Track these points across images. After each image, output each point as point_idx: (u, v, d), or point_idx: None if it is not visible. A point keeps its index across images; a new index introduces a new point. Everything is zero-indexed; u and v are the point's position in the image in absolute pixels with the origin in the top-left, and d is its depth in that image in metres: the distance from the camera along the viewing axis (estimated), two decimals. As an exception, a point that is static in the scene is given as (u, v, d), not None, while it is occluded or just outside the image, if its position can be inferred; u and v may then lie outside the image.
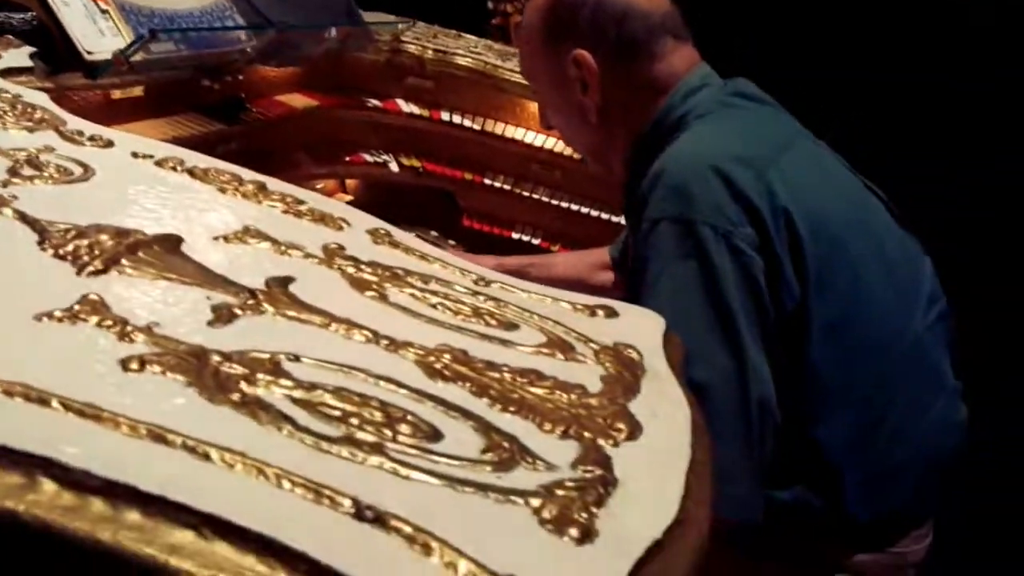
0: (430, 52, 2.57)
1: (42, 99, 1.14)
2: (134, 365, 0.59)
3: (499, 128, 2.64)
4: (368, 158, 2.60)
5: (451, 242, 2.68)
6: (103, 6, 1.42)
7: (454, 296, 0.87)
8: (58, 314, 0.64)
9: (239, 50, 1.74)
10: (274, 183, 1.06)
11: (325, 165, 2.47)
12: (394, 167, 2.64)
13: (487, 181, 2.69)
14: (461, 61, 2.58)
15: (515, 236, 2.72)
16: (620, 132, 1.53)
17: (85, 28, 1.38)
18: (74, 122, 1.09)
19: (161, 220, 0.88)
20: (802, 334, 1.27)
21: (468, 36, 3.11)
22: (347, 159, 2.54)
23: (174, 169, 1.02)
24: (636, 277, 1.33)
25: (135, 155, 1.03)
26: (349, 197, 2.63)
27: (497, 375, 0.71)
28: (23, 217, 0.80)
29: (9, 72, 1.24)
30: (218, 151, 2.05)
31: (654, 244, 1.28)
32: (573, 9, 1.47)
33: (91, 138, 1.04)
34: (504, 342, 0.78)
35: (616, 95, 1.49)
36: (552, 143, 2.62)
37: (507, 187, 2.68)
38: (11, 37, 1.38)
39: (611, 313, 0.92)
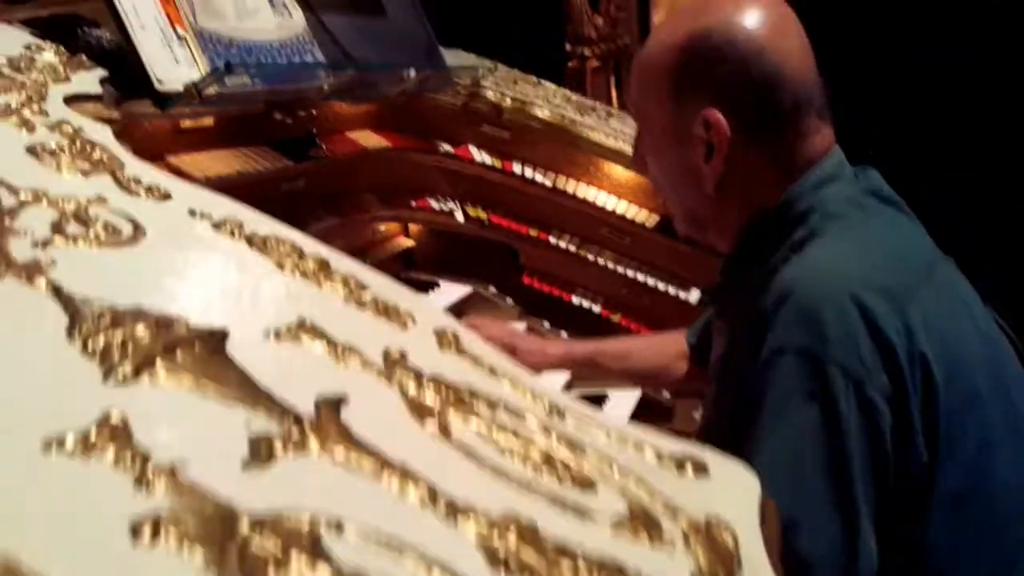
0: (508, 101, 2.49)
1: (104, 135, 1.06)
2: (147, 531, 0.49)
3: (571, 186, 2.55)
4: (434, 204, 2.51)
5: (509, 300, 2.58)
6: (181, 32, 1.35)
7: (524, 434, 0.76)
8: (70, 443, 0.54)
9: (316, 88, 1.65)
10: (337, 259, 0.96)
11: (391, 207, 2.39)
12: (460, 216, 2.55)
13: (552, 240, 2.58)
14: (539, 113, 2.49)
15: (575, 300, 2.60)
16: (734, 206, 1.35)
17: (159, 55, 1.30)
18: (134, 165, 1.00)
19: (209, 304, 0.78)
20: (921, 505, 1.12)
21: (547, 84, 3.03)
22: (413, 204, 2.46)
23: (232, 235, 0.92)
24: (748, 408, 1.17)
25: (192, 213, 0.94)
26: (411, 242, 2.54)
27: (570, 564, 0.59)
28: (57, 292, 0.70)
29: (76, 99, 1.17)
30: (284, 188, 1.98)
31: (776, 378, 1.13)
32: (715, 61, 1.28)
33: (148, 188, 0.95)
34: (580, 512, 0.66)
35: (742, 167, 1.31)
36: (625, 208, 2.51)
37: (572, 248, 2.58)
38: (84, 58, 1.31)
39: (701, 469, 0.80)
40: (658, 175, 1.43)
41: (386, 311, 0.89)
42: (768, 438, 1.12)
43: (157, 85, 1.28)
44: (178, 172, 1.59)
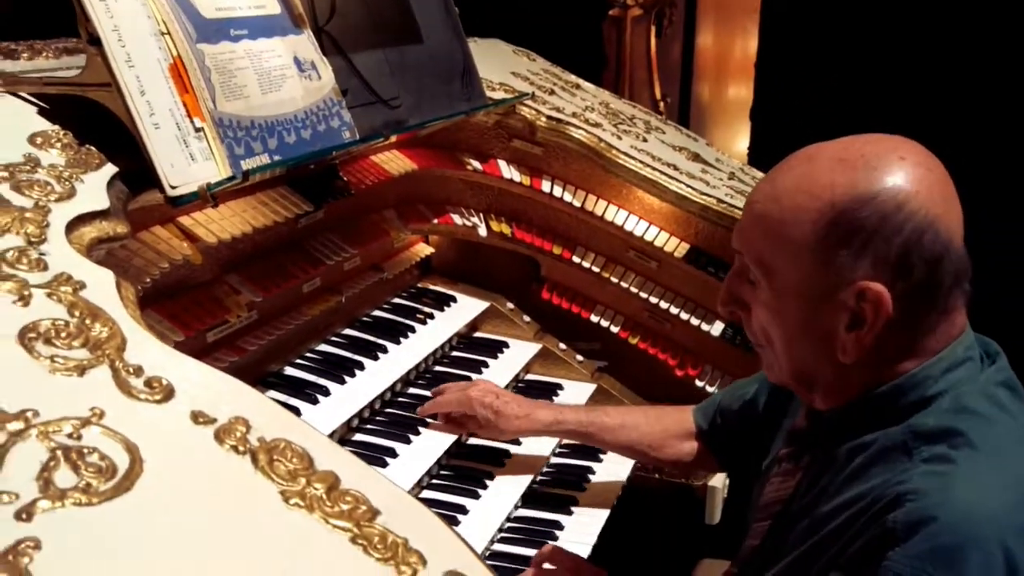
0: (543, 119, 2.37)
1: (107, 288, 0.99)
2: None
3: (600, 207, 2.44)
4: (457, 219, 2.42)
5: (526, 318, 2.52)
6: (199, 123, 1.26)
7: None
8: None
9: (345, 146, 1.56)
10: (350, 470, 0.90)
11: (412, 224, 2.30)
12: (483, 231, 2.46)
13: (576, 259, 2.50)
14: (574, 134, 2.37)
15: (593, 319, 2.54)
16: (860, 375, 1.24)
17: (174, 155, 1.22)
18: (136, 341, 0.94)
19: (204, 580, 0.73)
20: None
21: (587, 86, 2.90)
22: (435, 221, 2.37)
23: (236, 450, 0.86)
24: None
25: (195, 419, 0.88)
26: (431, 250, 2.47)
27: None
28: (38, 602, 0.65)
29: (80, 221, 1.09)
30: (302, 224, 1.91)
31: None
32: (884, 230, 1.14)
33: (148, 384, 0.89)
34: None
35: (885, 341, 1.19)
36: (655, 234, 2.42)
37: (596, 268, 2.50)
38: (93, 150, 1.23)
39: None
40: (770, 327, 1.28)
41: (394, 553, 0.84)
42: None
43: (170, 191, 1.20)
44: (191, 236, 1.52)
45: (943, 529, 1.06)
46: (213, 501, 0.81)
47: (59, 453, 0.78)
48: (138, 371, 0.90)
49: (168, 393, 0.89)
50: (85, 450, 0.79)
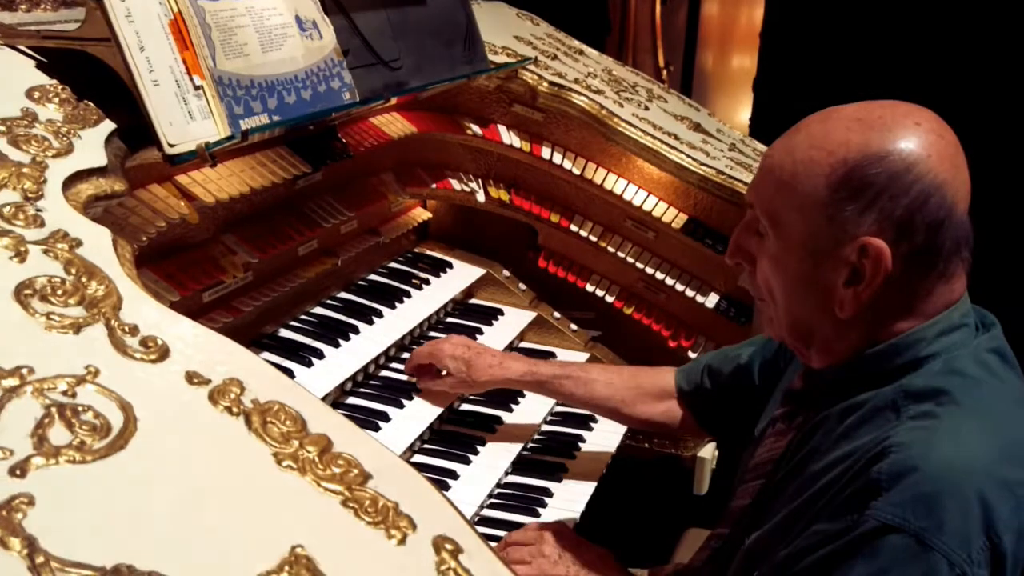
0: (545, 84, 2.35)
1: (104, 245, 0.99)
2: None
3: (599, 176, 2.44)
4: (455, 185, 2.41)
5: (521, 285, 2.52)
6: (198, 81, 1.25)
7: None
8: None
9: (345, 108, 1.55)
10: (342, 433, 0.91)
11: (410, 188, 2.29)
12: (481, 197, 2.46)
13: (573, 227, 2.50)
14: (576, 100, 2.36)
15: (589, 288, 2.54)
16: (856, 333, 1.26)
17: (172, 113, 1.21)
18: (131, 299, 0.94)
19: (197, 543, 0.74)
20: None
21: (590, 52, 2.87)
22: (434, 185, 2.36)
23: (229, 411, 0.87)
24: (827, 565, 1.15)
25: (190, 380, 0.88)
26: (428, 215, 2.46)
27: None
28: (31, 556, 0.66)
29: (77, 178, 1.08)
30: (299, 186, 1.90)
31: (875, 551, 1.10)
32: (892, 188, 1.17)
33: (144, 343, 0.89)
34: None
35: (882, 300, 1.22)
36: (654, 204, 2.41)
37: (593, 237, 2.49)
38: (91, 105, 1.22)
39: None
40: (772, 279, 1.30)
41: (385, 517, 0.84)
42: None
43: (168, 149, 1.19)
44: (188, 195, 1.51)
45: (923, 478, 1.10)
46: (206, 462, 0.82)
47: (54, 411, 0.78)
48: (133, 330, 0.90)
49: (163, 353, 0.90)
50: (80, 408, 0.79)
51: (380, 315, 2.06)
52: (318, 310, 2.03)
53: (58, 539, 0.68)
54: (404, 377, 1.98)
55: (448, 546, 0.84)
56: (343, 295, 2.11)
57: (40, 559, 0.66)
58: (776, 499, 1.32)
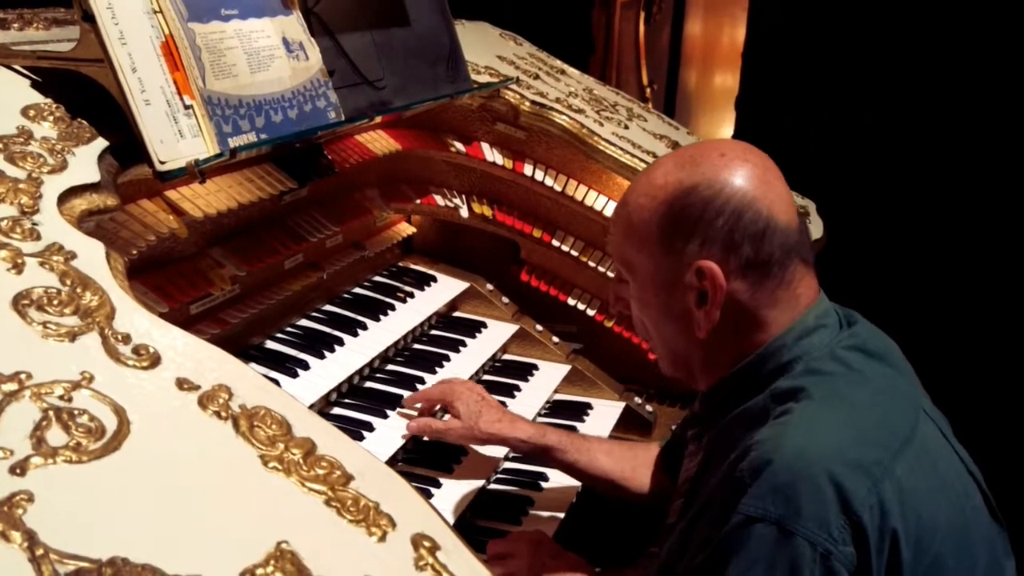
0: (527, 104, 2.41)
1: (97, 258, 1.03)
2: None
3: (580, 192, 2.49)
4: (439, 200, 2.47)
5: (504, 299, 2.57)
6: (188, 101, 1.29)
7: None
8: None
9: (330, 127, 1.60)
10: (325, 436, 0.95)
11: (395, 204, 2.34)
12: (464, 212, 2.51)
13: (555, 242, 2.55)
14: (557, 119, 2.42)
15: (570, 301, 2.59)
16: (721, 352, 1.38)
17: (163, 131, 1.25)
18: (124, 309, 0.98)
19: (188, 538, 0.78)
20: None
21: (572, 72, 2.93)
22: (418, 201, 2.41)
23: (218, 415, 0.91)
24: (709, 565, 1.22)
25: (180, 386, 0.92)
26: (412, 229, 2.51)
27: None
28: (31, 548, 0.70)
29: (71, 193, 1.13)
30: (285, 201, 1.95)
31: (743, 544, 1.17)
32: (707, 214, 1.30)
33: (136, 351, 0.94)
34: None
35: (733, 315, 1.34)
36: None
37: (574, 252, 2.55)
38: (84, 123, 1.26)
39: None
40: (643, 318, 1.45)
41: (366, 515, 0.89)
42: None
43: (159, 166, 1.24)
44: (177, 210, 1.56)
45: (778, 469, 1.18)
46: (196, 463, 0.86)
47: (51, 413, 0.82)
48: (126, 339, 0.95)
49: (155, 360, 0.94)
50: (76, 411, 0.84)
51: (365, 327, 2.11)
52: (303, 322, 2.07)
53: (56, 533, 0.72)
54: (388, 389, 2.02)
55: (426, 543, 0.88)
56: (328, 308, 2.16)
57: (40, 551, 0.70)
58: (690, 513, 1.40)
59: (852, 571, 1.15)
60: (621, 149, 2.42)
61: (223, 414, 0.91)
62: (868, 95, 4.48)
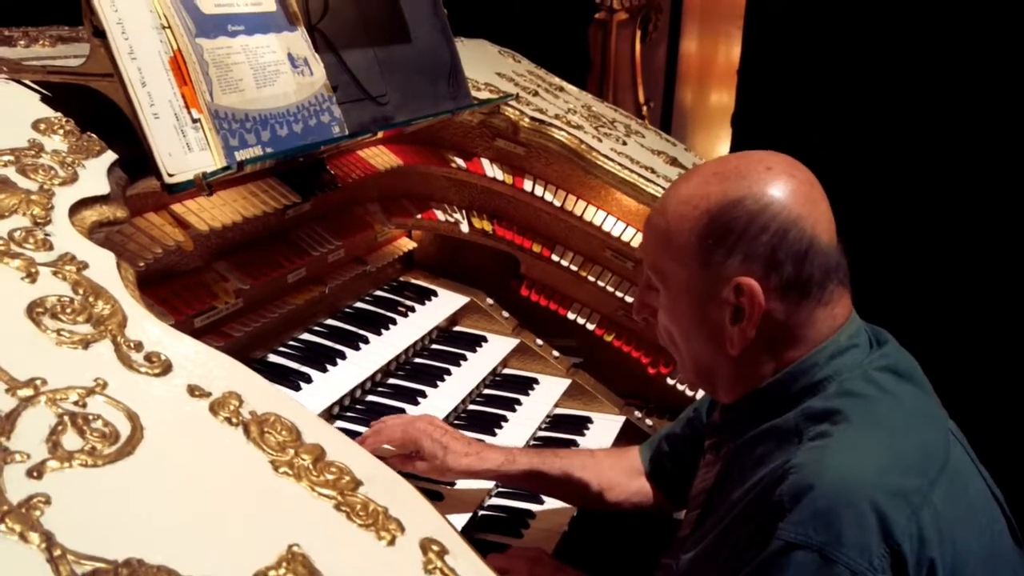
0: (526, 120, 2.43)
1: (109, 268, 1.05)
2: None
3: (579, 207, 2.51)
4: (440, 215, 2.49)
5: (505, 313, 2.59)
6: (196, 114, 1.31)
7: None
8: None
9: (335, 141, 1.62)
10: (334, 443, 0.96)
11: (396, 219, 2.36)
12: (464, 227, 2.53)
13: (555, 257, 2.57)
14: (556, 135, 2.44)
15: (570, 316, 2.61)
16: (751, 367, 1.36)
17: (172, 145, 1.27)
18: (136, 318, 1.00)
19: (202, 540, 0.79)
20: None
21: (570, 89, 2.97)
22: (419, 215, 2.43)
23: (229, 421, 0.92)
24: None
25: (192, 392, 0.94)
26: (413, 244, 2.53)
27: None
28: (49, 550, 0.71)
29: (82, 205, 1.14)
30: (289, 215, 1.96)
31: (782, 570, 1.17)
32: (751, 229, 1.28)
33: (148, 358, 0.95)
34: None
35: (767, 332, 1.31)
36: (632, 235, 2.49)
37: (574, 267, 2.57)
38: (94, 137, 1.28)
39: None
40: (670, 327, 1.42)
41: (375, 520, 0.90)
42: None
43: (167, 180, 1.26)
44: (183, 223, 1.58)
45: (820, 495, 1.17)
46: (209, 466, 0.87)
47: (66, 419, 0.83)
48: (138, 346, 0.96)
49: (166, 367, 0.95)
50: (90, 417, 0.85)
51: (367, 341, 2.12)
52: (306, 336, 2.08)
53: (73, 535, 0.73)
54: (391, 402, 2.04)
55: (435, 547, 0.89)
56: (330, 322, 2.17)
57: (57, 552, 0.71)
58: (708, 526, 1.39)
59: None
60: (619, 164, 2.45)
61: (234, 420, 0.93)
62: (863, 110, 4.52)
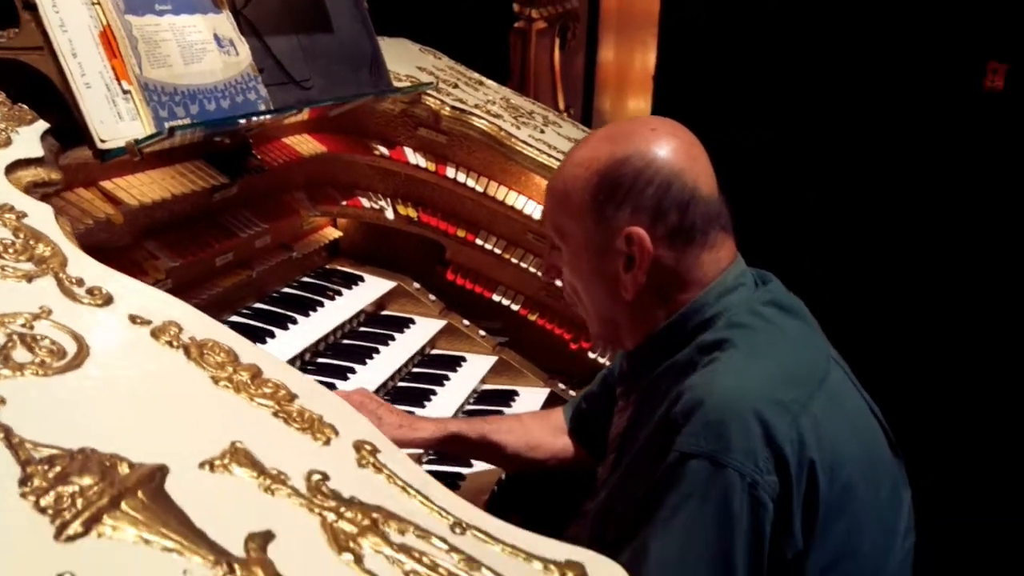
0: (447, 109, 2.54)
1: (47, 218, 1.11)
2: None
3: (501, 193, 2.63)
4: (365, 203, 2.57)
5: (431, 296, 2.68)
6: (126, 86, 1.38)
7: (429, 559, 0.87)
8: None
9: (259, 120, 1.70)
10: (270, 364, 1.04)
11: (322, 206, 2.44)
12: (390, 214, 2.62)
13: (479, 241, 2.67)
14: (477, 123, 2.55)
15: (495, 298, 2.71)
16: (647, 313, 1.49)
17: (103, 113, 1.34)
18: (76, 259, 1.06)
19: (150, 435, 0.86)
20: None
21: (489, 83, 3.08)
22: (344, 203, 2.51)
23: (170, 344, 1.00)
24: (647, 503, 1.32)
25: (133, 320, 1.01)
26: (339, 233, 2.60)
27: None
28: (7, 439, 0.78)
29: (17, 166, 1.20)
30: (216, 199, 2.03)
31: (679, 479, 1.29)
32: (637, 184, 1.41)
33: (90, 291, 1.02)
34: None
35: (658, 278, 1.45)
36: (551, 218, 2.61)
37: (497, 251, 2.67)
38: (25, 108, 1.34)
39: (581, 573, 0.92)
40: (574, 283, 1.55)
41: (311, 425, 0.98)
42: (666, 531, 1.28)
43: (99, 145, 1.32)
44: (113, 199, 1.63)
45: (708, 409, 1.30)
46: (153, 380, 0.94)
47: (15, 337, 0.90)
48: (80, 282, 1.03)
49: (108, 299, 1.02)
50: (38, 336, 0.91)
51: (295, 321, 2.19)
52: (234, 318, 2.14)
53: (29, 429, 0.80)
54: (319, 378, 2.09)
55: (367, 447, 0.98)
56: (258, 305, 2.23)
57: (16, 440, 0.78)
58: (622, 466, 1.51)
59: (775, 498, 1.28)
60: (538, 150, 2.57)
61: (175, 344, 1.00)
62: (777, 117, 4.73)
